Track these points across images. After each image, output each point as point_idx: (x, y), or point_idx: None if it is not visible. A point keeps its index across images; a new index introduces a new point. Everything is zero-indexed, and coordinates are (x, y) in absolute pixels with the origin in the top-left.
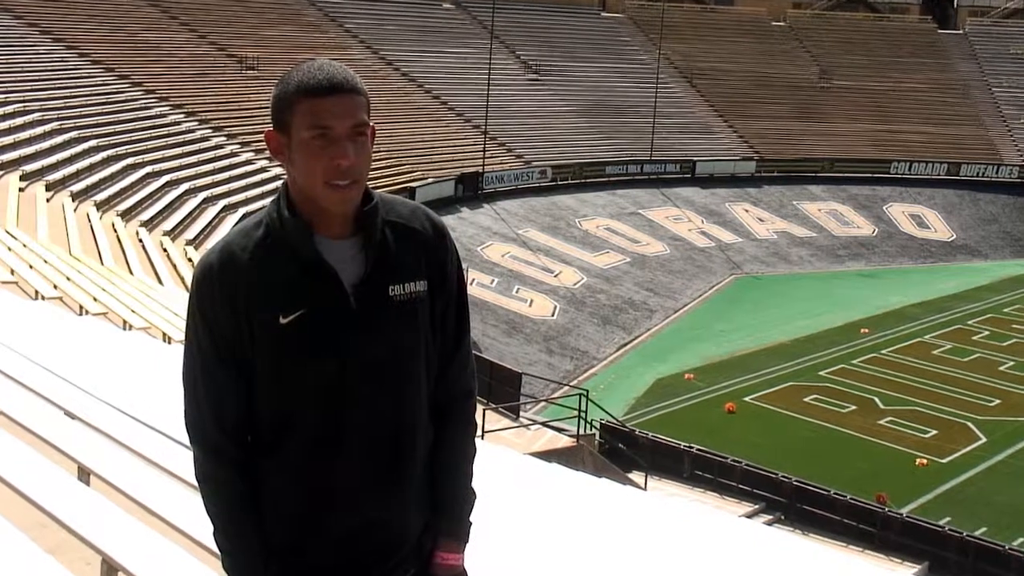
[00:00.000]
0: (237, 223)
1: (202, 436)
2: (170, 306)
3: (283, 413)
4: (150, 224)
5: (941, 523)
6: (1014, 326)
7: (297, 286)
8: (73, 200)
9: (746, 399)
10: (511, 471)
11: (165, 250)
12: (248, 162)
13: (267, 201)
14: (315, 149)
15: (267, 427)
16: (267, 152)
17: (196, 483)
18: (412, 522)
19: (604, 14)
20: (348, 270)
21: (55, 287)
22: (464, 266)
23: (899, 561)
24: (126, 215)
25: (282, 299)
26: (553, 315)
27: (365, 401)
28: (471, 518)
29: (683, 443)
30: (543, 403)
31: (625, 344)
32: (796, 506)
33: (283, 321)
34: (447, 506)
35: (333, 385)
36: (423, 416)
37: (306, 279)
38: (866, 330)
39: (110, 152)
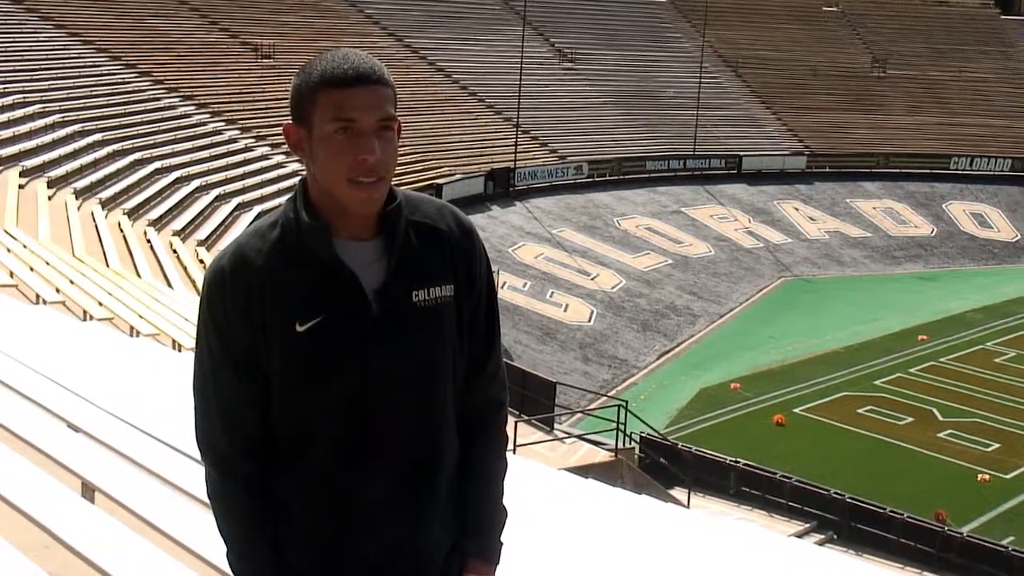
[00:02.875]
0: (252, 223)
1: (214, 451)
2: (180, 311)
3: (301, 427)
4: (159, 223)
5: (1004, 543)
6: None
7: (315, 291)
8: (76, 198)
9: (796, 410)
10: (544, 487)
11: (175, 251)
12: (264, 157)
13: (284, 199)
14: (338, 143)
15: (284, 441)
16: (284, 147)
17: (208, 501)
18: (439, 542)
19: None
20: (369, 274)
21: (57, 291)
22: (495, 269)
23: None
24: (133, 214)
25: (299, 305)
26: (590, 321)
27: (388, 414)
28: (502, 538)
29: (729, 458)
30: (579, 415)
31: (667, 352)
32: (850, 525)
33: (300, 329)
34: (476, 525)
35: (354, 397)
36: (450, 429)
37: (324, 284)
38: (924, 337)
39: (116, 146)
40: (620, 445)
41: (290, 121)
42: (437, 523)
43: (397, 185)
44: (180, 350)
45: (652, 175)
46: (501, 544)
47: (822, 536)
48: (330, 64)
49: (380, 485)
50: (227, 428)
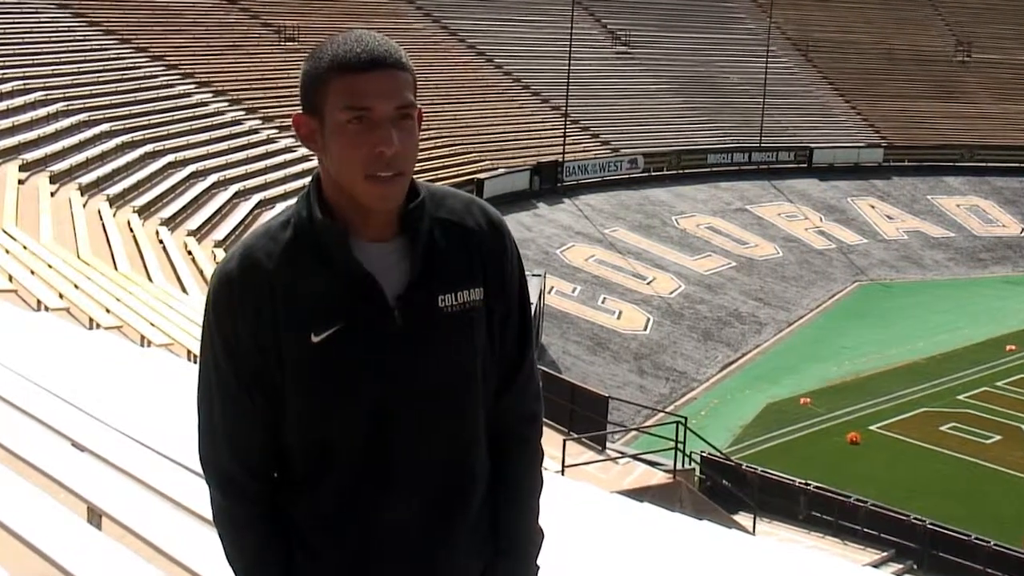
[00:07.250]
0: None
1: (219, 472)
2: (195, 318)
3: (318, 445)
4: (172, 222)
5: None
6: None
7: (331, 298)
8: (82, 194)
9: (872, 428)
10: (595, 512)
11: (189, 252)
12: (287, 149)
13: None
14: (353, 135)
15: (298, 462)
16: None
17: (215, 526)
18: (470, 569)
19: None
20: (390, 279)
21: (61, 296)
22: (541, 272)
23: None
24: (144, 212)
25: (314, 313)
26: (645, 329)
27: (413, 431)
28: (538, 561)
29: (798, 479)
30: (634, 432)
31: (730, 363)
32: (931, 553)
33: (315, 339)
34: (510, 548)
35: (375, 413)
36: (482, 445)
37: (342, 290)
38: (1012, 347)
39: (125, 138)
40: (679, 466)
41: (300, 111)
42: (467, 546)
43: (433, 181)
44: (195, 361)
45: (714, 169)
46: (537, 568)
47: (901, 566)
48: (342, 47)
49: (407, 507)
50: (234, 447)
